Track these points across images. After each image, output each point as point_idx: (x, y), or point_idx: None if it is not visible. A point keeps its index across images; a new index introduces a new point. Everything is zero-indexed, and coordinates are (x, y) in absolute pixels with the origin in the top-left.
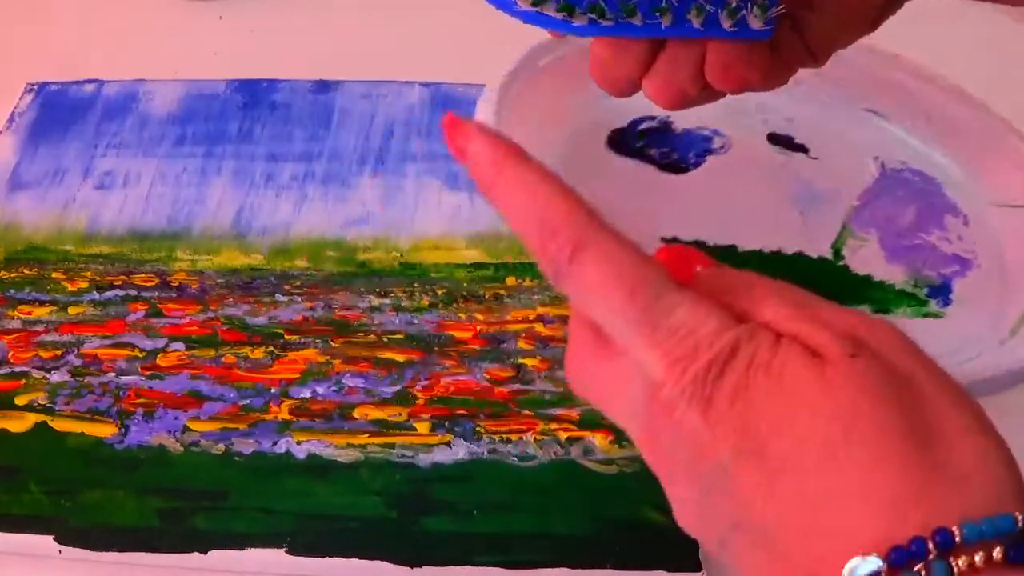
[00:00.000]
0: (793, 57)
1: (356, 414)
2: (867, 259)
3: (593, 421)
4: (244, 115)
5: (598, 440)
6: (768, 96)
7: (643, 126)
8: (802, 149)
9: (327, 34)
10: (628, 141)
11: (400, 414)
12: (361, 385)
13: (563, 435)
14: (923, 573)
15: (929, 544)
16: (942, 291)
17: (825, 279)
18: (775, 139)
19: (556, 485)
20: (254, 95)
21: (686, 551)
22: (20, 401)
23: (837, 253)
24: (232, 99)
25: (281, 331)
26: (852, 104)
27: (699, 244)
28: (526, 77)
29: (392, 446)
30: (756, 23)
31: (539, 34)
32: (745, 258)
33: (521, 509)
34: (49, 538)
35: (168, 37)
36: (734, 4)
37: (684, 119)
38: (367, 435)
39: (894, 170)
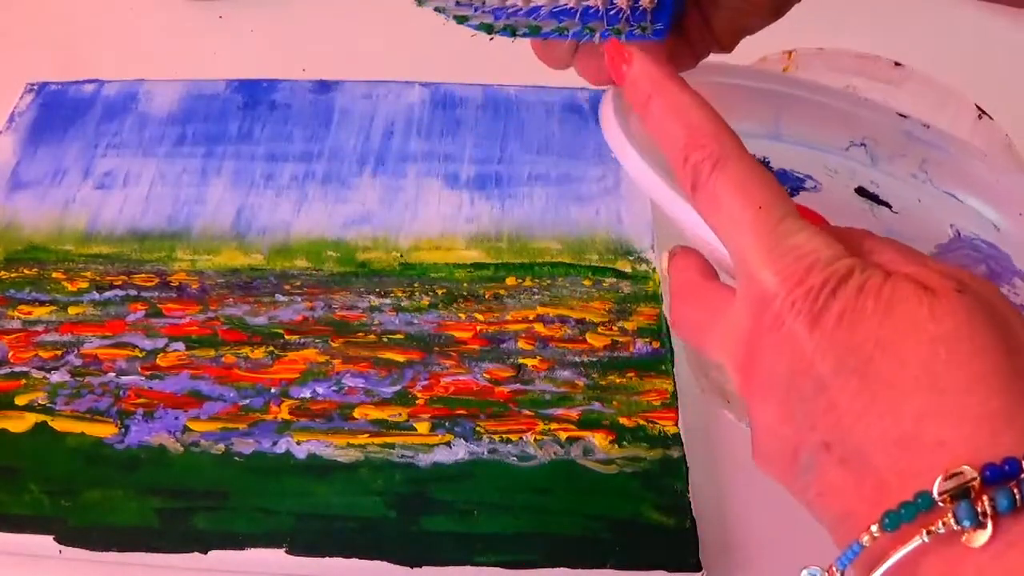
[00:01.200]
0: (702, 45)
1: (356, 414)
2: None
3: (593, 421)
4: (244, 115)
5: (598, 440)
6: (856, 163)
7: None
8: (886, 204)
9: (327, 34)
10: None
11: (400, 414)
12: (361, 385)
13: (563, 435)
14: (1015, 491)
15: (1023, 463)
16: None
17: None
18: (862, 192)
19: (556, 485)
20: (254, 95)
21: (686, 551)
22: (20, 401)
23: None
24: (232, 99)
25: (281, 331)
26: (933, 185)
27: None
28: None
29: (392, 446)
30: (647, 33)
31: None
32: None
33: (521, 509)
34: (49, 538)
35: (168, 37)
36: (623, 27)
37: (780, 159)
38: (367, 435)
39: (968, 237)
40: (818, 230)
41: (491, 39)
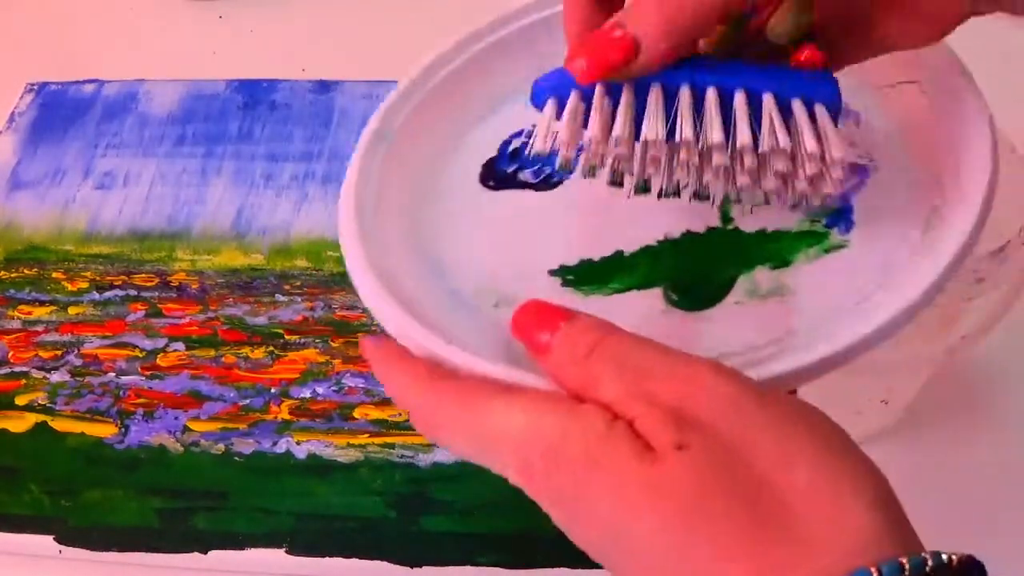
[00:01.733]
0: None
1: (356, 414)
2: (759, 214)
3: None
4: (244, 115)
5: None
6: None
7: (513, 146)
8: None
9: (327, 34)
10: (500, 170)
11: (400, 414)
12: (361, 385)
13: None
14: None
15: None
16: (842, 215)
17: (719, 248)
18: None
19: None
20: (254, 95)
21: None
22: (20, 401)
23: (726, 217)
24: (232, 99)
25: (281, 331)
26: None
27: (586, 263)
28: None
29: (392, 446)
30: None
31: None
32: (634, 260)
33: (521, 509)
34: (49, 538)
35: (168, 37)
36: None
37: None
38: (367, 435)
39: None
40: (527, 404)
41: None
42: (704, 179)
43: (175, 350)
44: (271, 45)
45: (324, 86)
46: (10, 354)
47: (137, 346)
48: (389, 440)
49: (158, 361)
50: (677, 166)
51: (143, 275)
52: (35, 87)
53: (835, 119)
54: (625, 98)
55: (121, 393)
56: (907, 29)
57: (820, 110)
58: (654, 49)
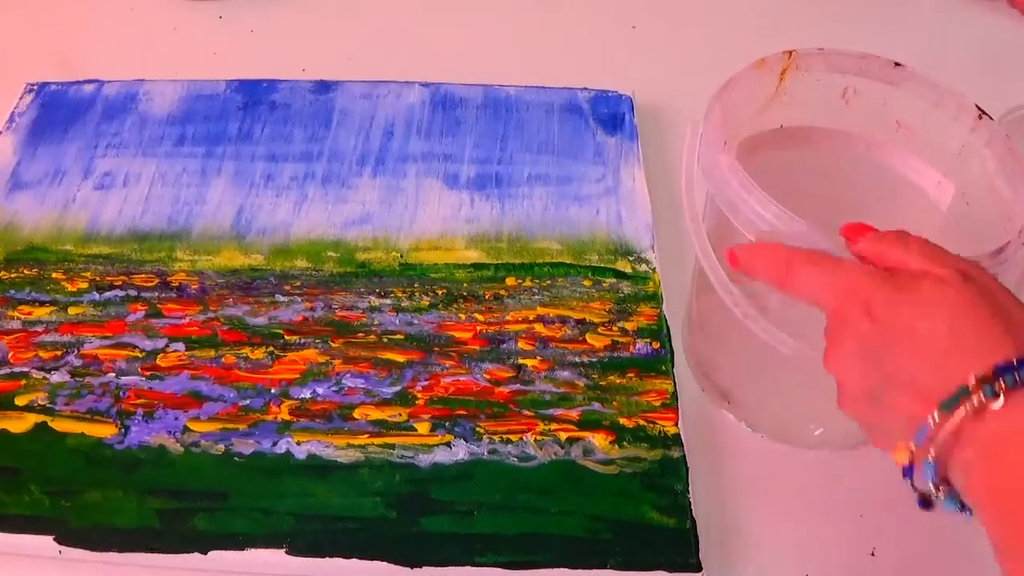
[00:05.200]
0: None
1: (356, 414)
2: None
3: (593, 421)
4: (244, 115)
5: (598, 440)
6: None
7: None
8: None
9: (327, 34)
10: None
11: (400, 414)
12: (361, 385)
13: (563, 435)
14: (1016, 375)
15: (1015, 361)
16: None
17: None
18: None
19: (556, 485)
20: (254, 95)
21: (686, 551)
22: (20, 401)
23: None
24: (232, 99)
25: (281, 331)
26: None
27: None
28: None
29: (392, 446)
30: None
31: (543, 30)
32: None
33: (521, 509)
34: (49, 538)
35: (168, 37)
36: None
37: None
38: (367, 435)
39: None
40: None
41: None
42: None
43: (175, 350)
44: (271, 45)
45: (324, 86)
46: (10, 354)
47: (137, 346)
48: (389, 440)
49: (158, 361)
50: None
51: (143, 275)
52: (35, 87)
53: None
54: None
55: (121, 393)
56: None
57: None
58: None
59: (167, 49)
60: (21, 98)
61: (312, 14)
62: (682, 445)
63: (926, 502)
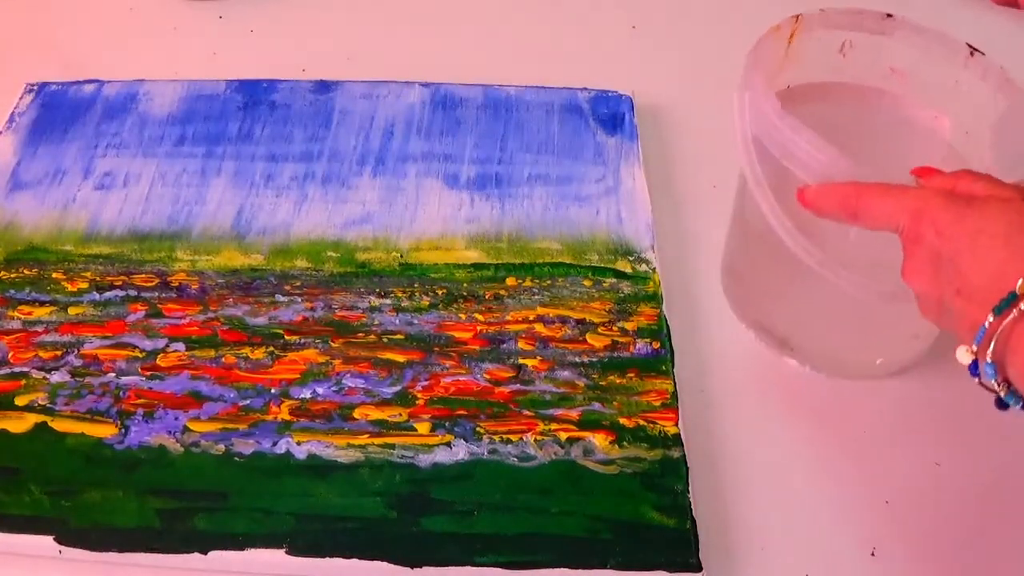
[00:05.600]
0: None
1: (356, 414)
2: None
3: (593, 421)
4: (244, 115)
5: (598, 440)
6: None
7: None
8: None
9: (327, 34)
10: None
11: (400, 414)
12: (361, 385)
13: (563, 435)
14: None
15: None
16: None
17: None
18: None
19: (556, 485)
20: (254, 95)
21: (686, 551)
22: (20, 401)
23: None
24: (232, 99)
25: (281, 331)
26: None
27: None
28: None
29: (392, 446)
30: None
31: (543, 30)
32: None
33: (521, 509)
34: (49, 538)
35: (168, 37)
36: None
37: None
38: (367, 435)
39: None
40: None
41: None
42: None
43: (175, 350)
44: (271, 45)
45: (324, 86)
46: (10, 354)
47: (137, 346)
48: (389, 440)
49: (158, 361)
50: None
51: (143, 275)
52: (35, 87)
53: None
54: None
55: (121, 393)
56: None
57: None
58: None
59: (167, 49)
60: (21, 98)
61: (312, 14)
62: (682, 445)
63: (1001, 402)
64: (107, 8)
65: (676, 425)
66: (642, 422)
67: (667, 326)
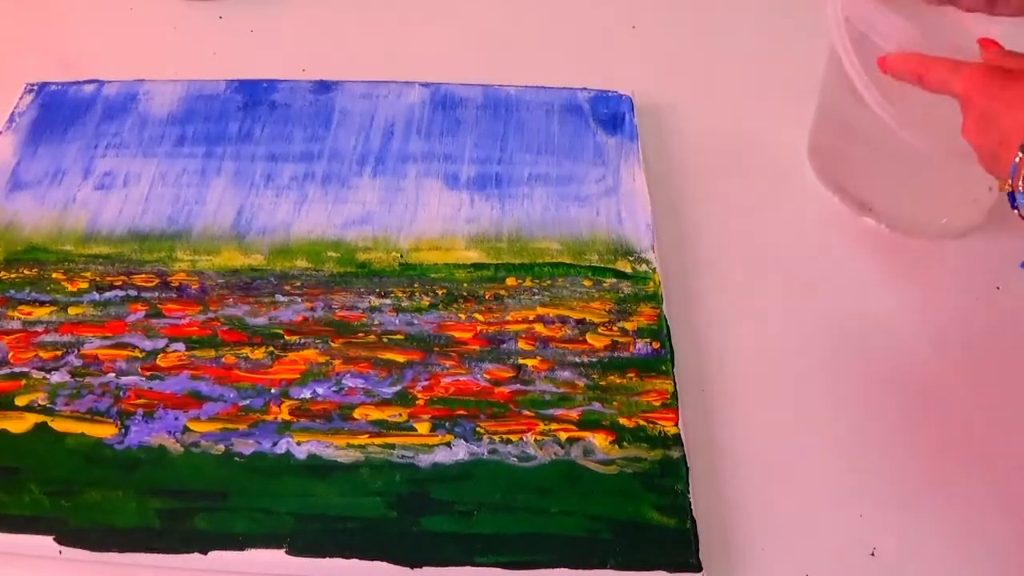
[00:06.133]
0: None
1: (356, 415)
2: None
3: (593, 421)
4: (244, 115)
5: (598, 440)
6: None
7: None
8: None
9: (327, 34)
10: None
11: (400, 415)
12: (361, 386)
13: (563, 435)
14: None
15: None
16: None
17: None
18: None
19: (556, 485)
20: (254, 95)
21: (686, 551)
22: (20, 401)
23: None
24: (232, 99)
25: (281, 332)
26: None
27: None
28: None
29: (392, 446)
30: None
31: (543, 30)
32: None
33: (521, 509)
34: (49, 538)
35: (168, 37)
36: None
37: None
38: (367, 436)
39: None
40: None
41: None
42: None
43: (175, 350)
44: (271, 45)
45: (324, 86)
46: (10, 354)
47: (137, 346)
48: (389, 441)
49: (158, 361)
50: None
51: (143, 275)
52: (35, 87)
53: None
54: None
55: (121, 393)
56: None
57: None
58: None
59: (167, 49)
60: (21, 98)
61: (312, 14)
62: (682, 445)
63: None
64: (107, 8)
65: (676, 425)
66: (642, 422)
67: (667, 326)
